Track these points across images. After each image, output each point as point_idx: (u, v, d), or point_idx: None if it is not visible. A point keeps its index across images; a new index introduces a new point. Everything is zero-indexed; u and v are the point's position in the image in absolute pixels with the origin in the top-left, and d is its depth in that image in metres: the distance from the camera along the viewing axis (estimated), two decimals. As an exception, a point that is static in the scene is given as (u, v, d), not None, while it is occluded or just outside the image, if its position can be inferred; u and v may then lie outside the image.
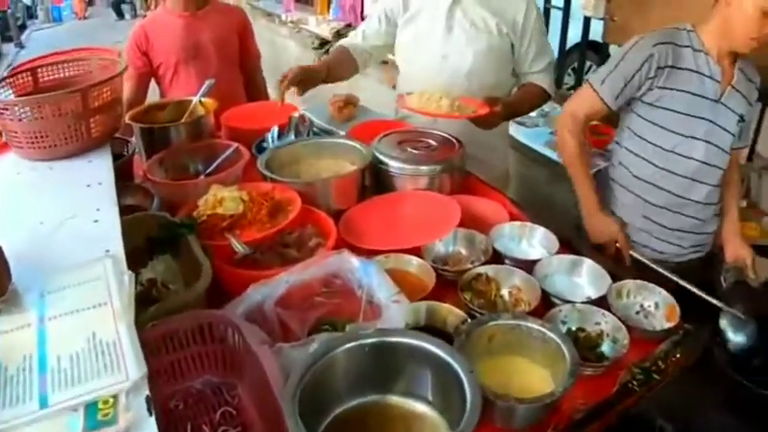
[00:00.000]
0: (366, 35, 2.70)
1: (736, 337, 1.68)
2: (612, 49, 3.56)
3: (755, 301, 1.95)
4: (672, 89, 2.04)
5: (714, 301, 1.64)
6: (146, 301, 1.38)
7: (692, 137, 2.07)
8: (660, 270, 1.69)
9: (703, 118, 2.06)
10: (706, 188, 2.15)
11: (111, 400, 0.93)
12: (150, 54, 3.05)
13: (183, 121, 2.32)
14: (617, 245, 1.91)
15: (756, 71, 2.16)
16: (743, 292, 2.10)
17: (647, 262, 1.72)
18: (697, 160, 2.10)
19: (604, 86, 2.11)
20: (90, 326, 1.05)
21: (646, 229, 2.23)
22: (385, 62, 5.86)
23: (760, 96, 2.19)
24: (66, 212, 1.43)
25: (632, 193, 2.22)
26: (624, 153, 2.23)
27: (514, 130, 3.74)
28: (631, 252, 1.84)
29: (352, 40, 2.73)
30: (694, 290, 1.62)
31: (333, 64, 2.64)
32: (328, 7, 7.03)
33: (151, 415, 0.92)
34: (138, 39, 3.03)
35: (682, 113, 2.06)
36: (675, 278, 1.65)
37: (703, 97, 2.04)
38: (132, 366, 0.97)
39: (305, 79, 2.35)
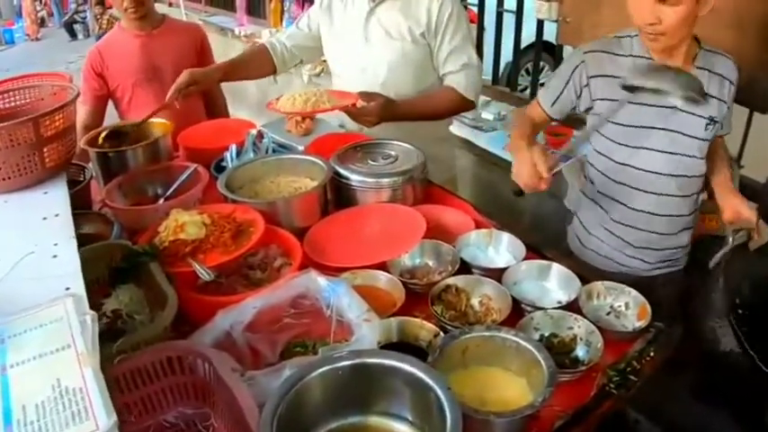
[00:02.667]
0: (291, 35, 2.68)
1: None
2: (566, 49, 3.58)
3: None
4: (611, 100, 1.89)
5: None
6: (111, 333, 1.34)
7: (644, 148, 1.93)
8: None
9: (655, 128, 1.90)
10: (672, 200, 2.00)
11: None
12: (106, 76, 3.00)
13: (140, 144, 2.27)
14: None
15: (731, 63, 1.94)
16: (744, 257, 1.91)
17: None
18: (656, 173, 1.95)
19: (542, 93, 2.11)
20: (54, 372, 1.01)
21: (607, 241, 2.12)
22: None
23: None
24: (23, 248, 1.38)
25: (595, 204, 2.13)
26: (587, 166, 2.14)
27: (472, 134, 3.75)
28: None
29: (278, 36, 2.70)
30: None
31: (241, 61, 2.65)
32: (281, 19, 6.97)
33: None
34: (93, 61, 2.98)
35: (625, 125, 1.92)
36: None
37: (650, 105, 1.85)
38: (101, 415, 0.92)
39: (196, 81, 2.36)
